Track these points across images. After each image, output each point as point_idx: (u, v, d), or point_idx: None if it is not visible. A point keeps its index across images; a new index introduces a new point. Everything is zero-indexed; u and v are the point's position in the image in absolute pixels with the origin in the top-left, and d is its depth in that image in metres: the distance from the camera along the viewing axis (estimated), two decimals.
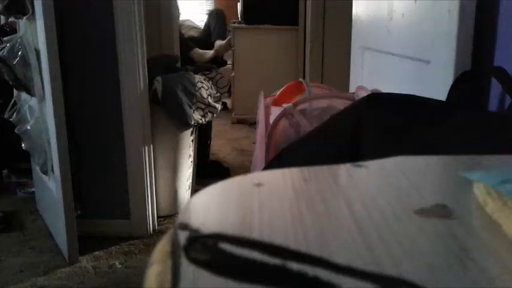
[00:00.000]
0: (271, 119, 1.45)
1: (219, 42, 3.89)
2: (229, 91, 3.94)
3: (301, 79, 1.87)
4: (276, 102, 1.65)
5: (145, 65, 2.18)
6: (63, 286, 1.86)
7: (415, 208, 0.42)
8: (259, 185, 0.47)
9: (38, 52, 1.97)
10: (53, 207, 2.08)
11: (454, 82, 1.15)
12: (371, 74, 1.88)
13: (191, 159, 2.52)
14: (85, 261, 2.02)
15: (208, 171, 2.83)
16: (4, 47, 2.04)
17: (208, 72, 2.58)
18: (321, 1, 3.50)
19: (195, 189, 2.59)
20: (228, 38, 4.00)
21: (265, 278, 0.31)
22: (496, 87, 1.16)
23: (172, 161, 2.40)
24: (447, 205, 0.43)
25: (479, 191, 0.44)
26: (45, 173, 2.16)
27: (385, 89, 1.58)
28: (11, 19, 2.30)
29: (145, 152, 2.22)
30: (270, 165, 1.21)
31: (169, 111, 2.29)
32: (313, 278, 0.31)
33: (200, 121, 2.39)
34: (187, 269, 0.32)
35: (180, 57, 2.80)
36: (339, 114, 1.09)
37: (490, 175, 0.46)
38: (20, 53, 2.02)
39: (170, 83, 2.29)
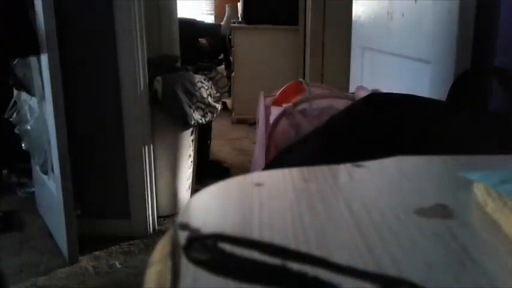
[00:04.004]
0: (271, 119, 1.45)
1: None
2: (229, 91, 3.95)
3: (301, 79, 1.87)
4: (276, 102, 1.65)
5: (146, 65, 2.18)
6: (63, 286, 1.86)
7: (415, 208, 0.42)
8: (259, 185, 0.47)
9: None
10: (53, 207, 2.08)
11: (454, 82, 1.15)
12: (371, 74, 1.88)
13: (191, 159, 2.52)
14: (85, 261, 2.02)
15: (208, 171, 2.83)
16: None
17: (208, 72, 2.58)
18: (321, 1, 3.50)
19: (195, 189, 2.59)
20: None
21: (265, 278, 0.31)
22: (496, 87, 1.16)
23: (172, 161, 2.40)
24: (447, 205, 0.43)
25: (479, 191, 0.44)
26: (45, 173, 2.16)
27: (385, 89, 1.58)
28: None
29: (145, 152, 2.22)
30: (270, 165, 1.21)
31: (169, 111, 2.29)
32: (313, 278, 0.31)
33: (200, 121, 2.39)
34: (187, 269, 0.32)
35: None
36: (338, 114, 1.09)
37: (490, 175, 0.46)
38: None
39: (170, 83, 2.29)
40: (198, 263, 0.33)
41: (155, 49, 2.64)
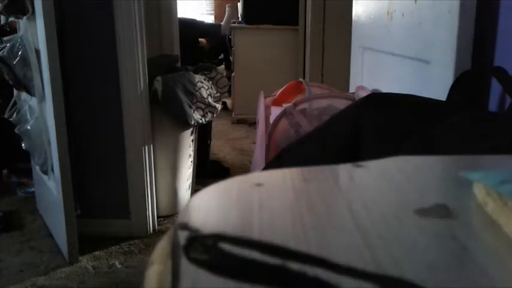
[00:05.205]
0: (271, 119, 1.45)
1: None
2: (229, 91, 3.95)
3: (301, 79, 1.87)
4: (276, 102, 1.65)
5: (146, 65, 2.18)
6: (63, 286, 1.86)
7: (415, 208, 0.42)
8: (259, 185, 0.47)
9: (38, 52, 1.97)
10: (53, 207, 2.08)
11: (454, 82, 1.15)
12: (371, 74, 1.88)
13: (191, 159, 2.52)
14: (85, 261, 2.02)
15: (208, 171, 2.83)
16: (4, 47, 2.04)
17: (208, 72, 2.58)
18: (321, 1, 3.50)
19: (195, 189, 2.59)
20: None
21: (265, 278, 0.31)
22: (496, 87, 1.16)
23: (172, 161, 2.40)
24: (447, 205, 0.43)
25: (479, 191, 0.44)
26: (45, 173, 2.16)
27: (385, 89, 1.58)
28: (11, 19, 2.30)
29: (145, 152, 2.22)
30: (270, 165, 1.21)
31: (169, 111, 2.29)
32: (313, 278, 0.31)
33: (200, 121, 2.39)
34: (187, 269, 0.32)
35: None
36: (338, 115, 1.09)
37: (490, 175, 0.46)
38: (20, 53, 2.02)
39: (170, 83, 2.29)
40: (198, 263, 0.33)
41: (155, 49, 2.64)
